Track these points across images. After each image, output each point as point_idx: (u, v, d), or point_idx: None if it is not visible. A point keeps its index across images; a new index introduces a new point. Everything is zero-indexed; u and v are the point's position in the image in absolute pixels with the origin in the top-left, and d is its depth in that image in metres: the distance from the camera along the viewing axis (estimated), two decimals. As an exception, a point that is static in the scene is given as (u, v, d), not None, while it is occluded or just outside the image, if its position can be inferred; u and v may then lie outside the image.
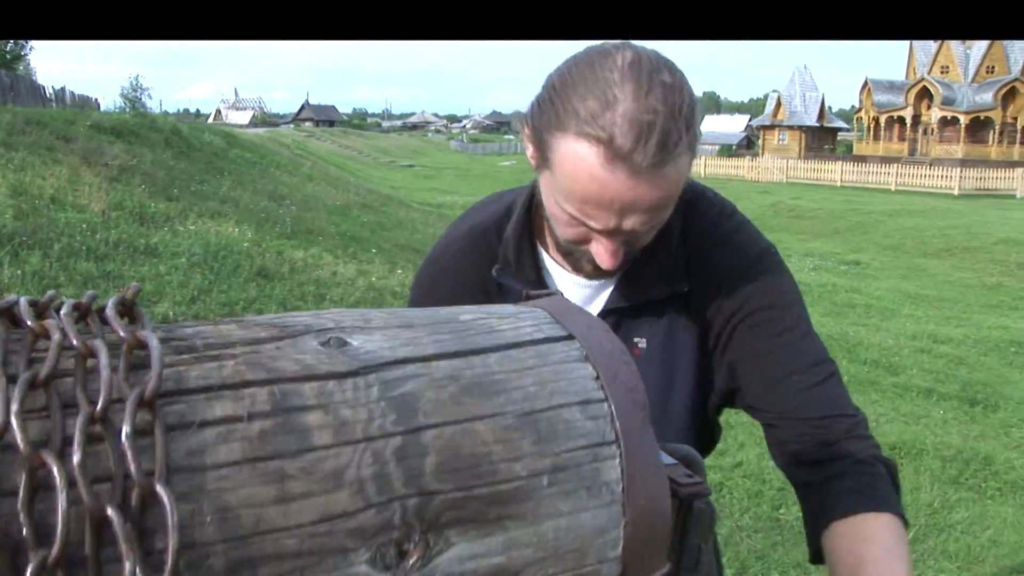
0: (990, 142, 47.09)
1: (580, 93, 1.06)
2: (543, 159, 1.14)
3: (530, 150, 1.17)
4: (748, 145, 62.60)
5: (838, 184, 33.71)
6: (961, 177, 32.13)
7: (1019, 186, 31.73)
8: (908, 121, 49.73)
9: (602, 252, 1.16)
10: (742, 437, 5.65)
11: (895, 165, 35.81)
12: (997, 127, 46.84)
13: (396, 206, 18.79)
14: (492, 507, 0.54)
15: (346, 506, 0.51)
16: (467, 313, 0.65)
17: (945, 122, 47.75)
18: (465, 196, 24.22)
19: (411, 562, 0.52)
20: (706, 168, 38.21)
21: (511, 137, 73.41)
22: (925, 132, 49.41)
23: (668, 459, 0.67)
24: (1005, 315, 11.60)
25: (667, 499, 0.58)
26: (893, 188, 32.70)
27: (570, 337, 0.63)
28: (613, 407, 0.59)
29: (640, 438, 0.58)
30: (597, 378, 0.60)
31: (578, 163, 1.06)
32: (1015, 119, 46.15)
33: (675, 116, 1.04)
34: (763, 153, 50.88)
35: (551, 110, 1.09)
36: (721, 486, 4.85)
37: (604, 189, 1.07)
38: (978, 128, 47.20)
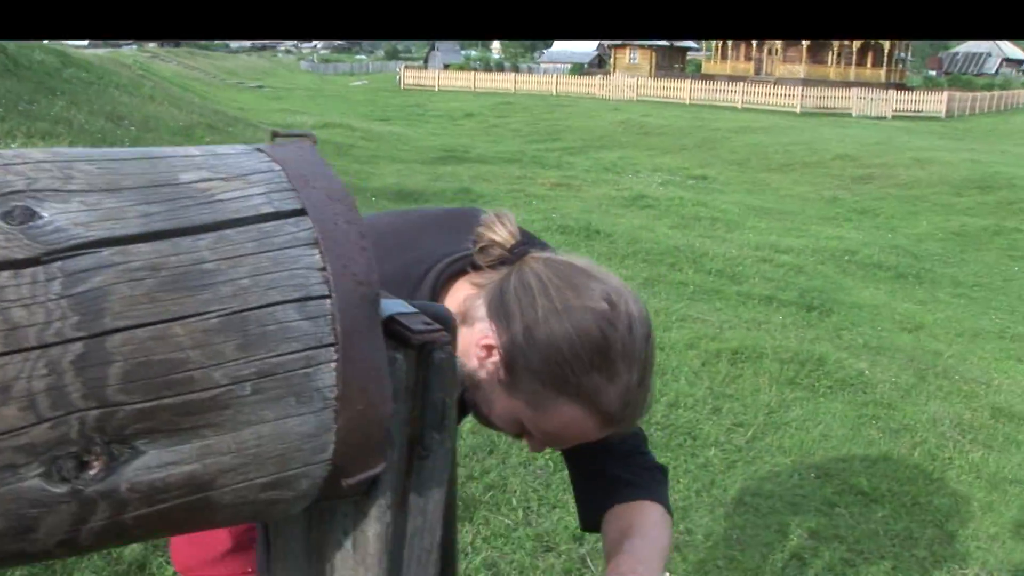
0: (829, 63, 48.86)
1: (585, 366, 1.13)
2: (526, 393, 1.17)
3: (498, 369, 1.18)
4: (600, 64, 62.91)
5: (687, 102, 34.36)
6: (803, 96, 33.23)
7: (854, 105, 33.10)
8: (754, 42, 50.98)
9: (535, 446, 1.26)
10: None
11: (741, 84, 36.71)
12: (836, 49, 48.59)
13: (243, 127, 18.06)
14: (185, 417, 0.47)
15: (13, 423, 0.44)
16: (190, 171, 0.54)
17: (788, 43, 49.16)
18: (316, 116, 23.52)
19: (92, 473, 0.45)
20: (558, 87, 38.25)
21: (363, 57, 71.64)
22: (770, 52, 50.79)
23: (406, 307, 0.59)
24: (840, 226, 12.15)
25: (387, 403, 0.51)
26: (739, 106, 33.57)
27: (302, 212, 0.54)
28: (336, 305, 0.52)
29: (365, 340, 0.50)
30: (323, 269, 0.52)
31: (573, 423, 1.16)
32: (851, 42, 47.94)
33: (652, 383, 1.19)
34: (614, 72, 51.25)
35: (554, 371, 1.14)
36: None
37: (584, 438, 1.19)
38: (818, 49, 48.85)
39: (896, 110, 33.00)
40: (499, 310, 1.17)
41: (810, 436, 4.71)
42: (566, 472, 3.97)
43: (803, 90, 34.08)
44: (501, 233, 1.22)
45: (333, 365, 0.51)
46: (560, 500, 3.69)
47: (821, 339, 6.50)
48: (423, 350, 0.55)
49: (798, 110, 32.54)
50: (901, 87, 40.54)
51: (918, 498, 4.22)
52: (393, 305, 0.56)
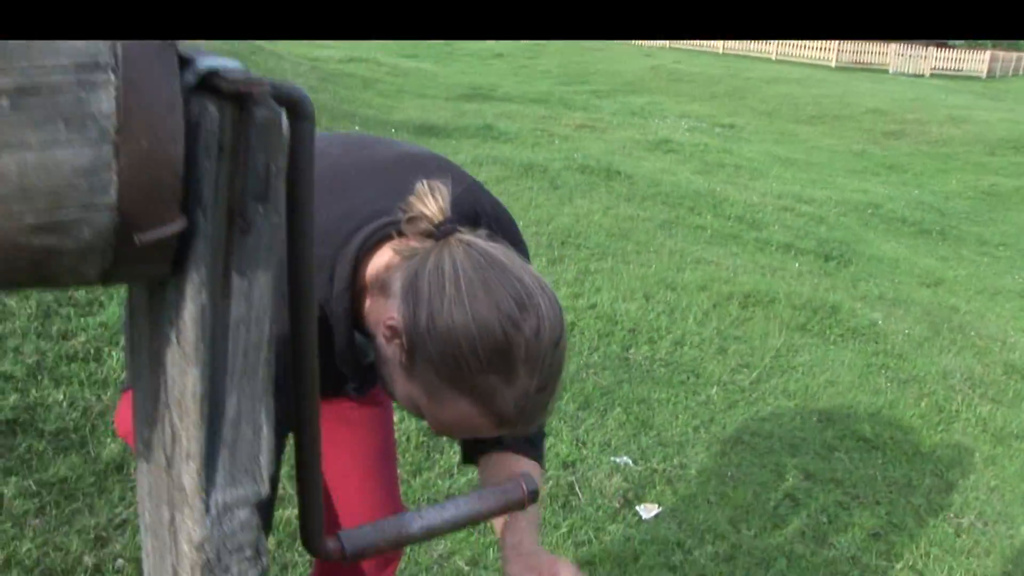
0: (870, 18, 47.73)
1: (482, 366, 1.10)
2: (422, 381, 1.16)
3: (400, 352, 1.16)
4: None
5: (720, 52, 33.78)
6: (839, 50, 32.58)
7: (892, 62, 32.43)
8: (794, -7, 49.83)
9: (433, 429, 1.24)
10: (599, 282, 5.65)
11: (778, 36, 35.93)
12: (878, 3, 47.48)
13: (266, 56, 17.91)
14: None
15: None
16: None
17: (829, -5, 48.03)
18: (343, 50, 23.30)
19: None
20: (593, 31, 37.58)
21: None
22: (809, 5, 49.68)
23: (231, 62, 0.52)
24: (867, 180, 11.94)
25: (178, 144, 0.44)
26: (774, 58, 32.98)
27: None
28: (119, 21, 0.44)
29: (153, 66, 0.43)
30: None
31: (465, 420, 1.14)
32: (895, -5, 46.76)
33: (556, 389, 1.17)
34: (651, 19, 50.16)
35: (450, 365, 1.11)
36: (573, 325, 4.84)
37: (477, 434, 1.18)
38: (860, 3, 47.71)
39: (935, 68, 32.31)
40: (410, 291, 1.14)
41: (816, 381, 4.64)
42: (562, 401, 3.94)
43: (839, 44, 33.40)
44: (430, 207, 1.17)
45: (112, 91, 0.43)
46: (553, 428, 3.65)
47: (837, 288, 6.39)
48: (243, 105, 0.48)
49: (833, 64, 31.94)
50: (942, 45, 39.71)
51: (920, 447, 4.15)
52: (214, 59, 0.49)
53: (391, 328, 1.15)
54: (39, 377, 2.94)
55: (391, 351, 1.17)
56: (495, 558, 2.70)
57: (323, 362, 1.25)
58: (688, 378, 4.43)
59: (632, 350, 4.69)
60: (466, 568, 2.63)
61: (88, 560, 2.27)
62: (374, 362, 1.25)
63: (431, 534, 0.86)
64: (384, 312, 1.18)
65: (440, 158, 1.43)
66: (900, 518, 3.47)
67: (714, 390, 4.31)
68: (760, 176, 10.82)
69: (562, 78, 20.42)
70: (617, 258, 6.38)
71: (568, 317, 4.97)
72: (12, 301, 3.29)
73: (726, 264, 6.56)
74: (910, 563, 3.18)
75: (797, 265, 6.87)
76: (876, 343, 5.39)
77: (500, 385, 1.10)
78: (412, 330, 1.12)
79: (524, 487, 0.94)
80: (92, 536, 2.34)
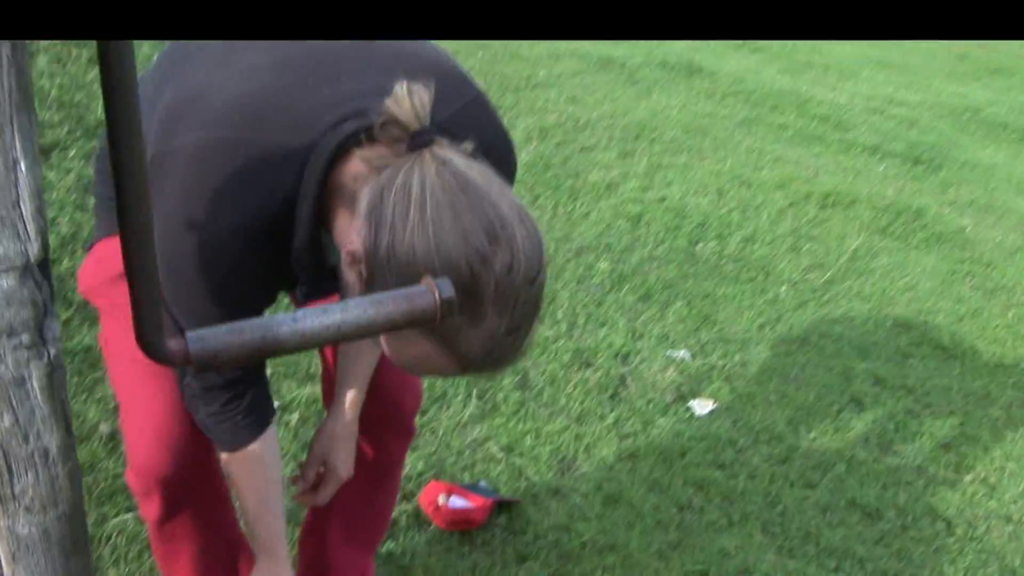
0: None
1: None
2: None
3: (360, 279, 1.04)
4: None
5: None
6: (947, -49, 30.80)
7: (1005, -36, 30.54)
8: None
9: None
10: (671, 176, 5.40)
11: (882, -65, 34.11)
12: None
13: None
14: None
15: None
16: None
17: None
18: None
19: None
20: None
21: None
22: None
23: None
24: (966, 84, 11.28)
25: None
26: (876, -41, 31.36)
27: None
28: None
29: None
30: None
31: (427, 360, 1.04)
32: None
33: (531, 330, 1.04)
34: (747, -84, 48.05)
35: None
36: (639, 217, 4.64)
37: (441, 375, 1.08)
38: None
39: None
40: (374, 212, 1.00)
41: (894, 286, 4.37)
42: (621, 292, 3.77)
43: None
44: (405, 111, 1.01)
45: None
46: (610, 318, 3.49)
47: (924, 192, 6.03)
48: None
49: (940, -34, 30.23)
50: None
51: (1003, 359, 3.88)
52: None
53: (351, 254, 1.04)
54: (72, 248, 2.86)
55: (351, 277, 1.05)
56: (532, 445, 2.58)
57: (280, 260, 1.12)
58: (757, 275, 4.20)
59: (700, 245, 4.47)
60: (499, 454, 2.51)
61: (104, 428, 2.22)
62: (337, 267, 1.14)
63: (307, 342, 0.68)
64: (347, 232, 1.06)
65: (451, 65, 1.25)
66: (974, 430, 3.24)
67: (783, 289, 4.08)
68: (850, 77, 10.27)
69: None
70: (692, 154, 6.10)
71: (635, 208, 4.76)
72: (51, 173, 3.21)
73: (807, 164, 6.23)
74: (981, 476, 2.97)
75: (883, 168, 6.49)
76: (963, 250, 5.07)
77: (465, 326, 0.98)
78: (372, 258, 1.00)
79: (437, 292, 0.74)
80: (111, 406, 2.28)
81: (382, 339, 1.06)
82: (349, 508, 1.75)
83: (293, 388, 2.56)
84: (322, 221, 1.12)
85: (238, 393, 1.29)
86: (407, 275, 0.95)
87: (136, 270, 0.64)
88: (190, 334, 0.67)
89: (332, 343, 0.71)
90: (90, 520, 1.98)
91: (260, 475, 1.39)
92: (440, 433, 2.55)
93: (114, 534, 1.95)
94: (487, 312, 0.97)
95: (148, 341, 0.66)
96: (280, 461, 1.44)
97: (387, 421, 1.67)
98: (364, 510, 1.77)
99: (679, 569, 2.12)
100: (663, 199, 4.98)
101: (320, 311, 0.70)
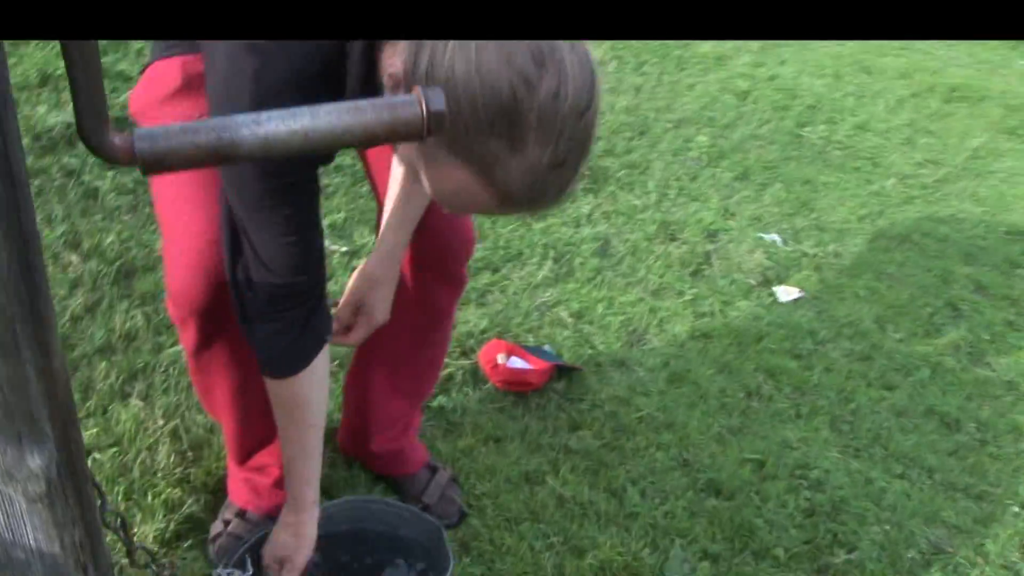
0: None
1: (484, 129, 0.91)
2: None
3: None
4: None
5: None
6: None
7: None
8: None
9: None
10: (786, 55, 5.12)
11: None
12: None
13: None
14: None
15: None
16: None
17: None
18: None
19: None
20: None
21: None
22: None
23: None
24: None
25: None
26: None
27: None
28: None
29: None
30: None
31: (464, 191, 0.97)
32: None
33: (578, 168, 0.97)
34: None
35: (455, 124, 0.91)
36: (747, 94, 4.41)
37: (480, 211, 1.03)
38: None
39: None
40: None
41: (1014, 191, 4.10)
42: (718, 169, 3.61)
43: None
44: None
45: None
46: (703, 194, 3.35)
47: (1064, 95, 5.59)
48: None
49: None
50: None
51: (1124, 279, 3.63)
52: None
53: (391, 76, 0.98)
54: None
55: None
56: (603, 313, 2.51)
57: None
58: (864, 165, 3.98)
59: (807, 128, 4.24)
60: (568, 319, 2.45)
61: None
62: None
63: (269, 148, 0.59)
64: (390, 59, 1.00)
65: None
66: (1078, 350, 3.05)
67: (890, 182, 3.86)
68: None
69: None
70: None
71: (743, 84, 4.53)
72: None
73: (937, 55, 5.83)
74: (1076, 399, 2.81)
75: (1023, 63, 6.04)
76: (1096, 161, 4.71)
77: (504, 154, 0.92)
78: (410, 78, 0.93)
79: (424, 103, 0.63)
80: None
81: (421, 172, 0.99)
82: (395, 357, 1.71)
83: (365, 234, 2.53)
84: (374, 63, 1.06)
85: (301, 303, 1.25)
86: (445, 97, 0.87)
87: (73, 54, 0.56)
88: (138, 130, 0.60)
89: (301, 151, 0.62)
90: (146, 348, 1.99)
91: (301, 416, 1.36)
92: (510, 292, 2.50)
93: (167, 363, 1.97)
94: (529, 140, 0.90)
95: (89, 135, 0.59)
96: (325, 402, 1.39)
97: (436, 268, 1.60)
98: (410, 361, 1.73)
99: (736, 455, 2.06)
100: (774, 77, 4.72)
101: (287, 113, 0.61)
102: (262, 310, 1.23)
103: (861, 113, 4.47)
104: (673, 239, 3.03)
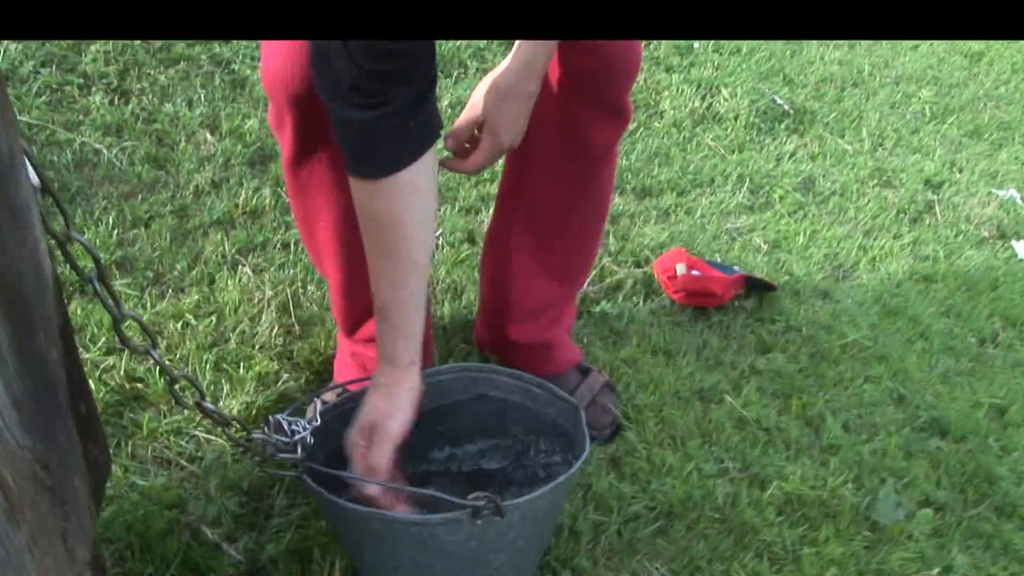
0: None
1: None
2: None
3: None
4: None
5: None
6: None
7: None
8: None
9: None
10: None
11: None
12: None
13: None
14: None
15: None
16: None
17: None
18: None
19: None
20: None
21: None
22: None
23: None
24: None
25: None
26: None
27: None
28: None
29: None
30: None
31: None
32: None
33: None
34: None
35: None
36: (980, 56, 3.93)
37: None
38: None
39: None
40: None
41: None
42: (944, 125, 3.17)
43: None
44: None
45: None
46: (925, 146, 2.94)
47: None
48: None
49: None
50: None
51: None
52: None
53: None
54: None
55: None
56: (805, 244, 2.16)
57: None
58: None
59: (1053, 91, 3.71)
60: (764, 245, 2.13)
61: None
62: None
63: None
64: None
65: None
66: None
67: None
68: None
69: None
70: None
71: (976, 46, 4.03)
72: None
73: None
74: None
75: None
76: None
77: None
78: None
79: None
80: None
81: None
82: (541, 215, 1.41)
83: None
84: None
85: (404, 81, 0.97)
86: None
87: None
88: None
89: None
90: (270, 223, 1.81)
91: (395, 244, 1.07)
92: (697, 215, 2.20)
93: (291, 241, 1.77)
94: None
95: None
96: (430, 237, 1.10)
97: (588, 93, 1.27)
98: (560, 222, 1.41)
99: (968, 397, 1.69)
100: (1016, 40, 4.18)
101: None
102: (357, 84, 0.95)
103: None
104: (889, 185, 2.64)
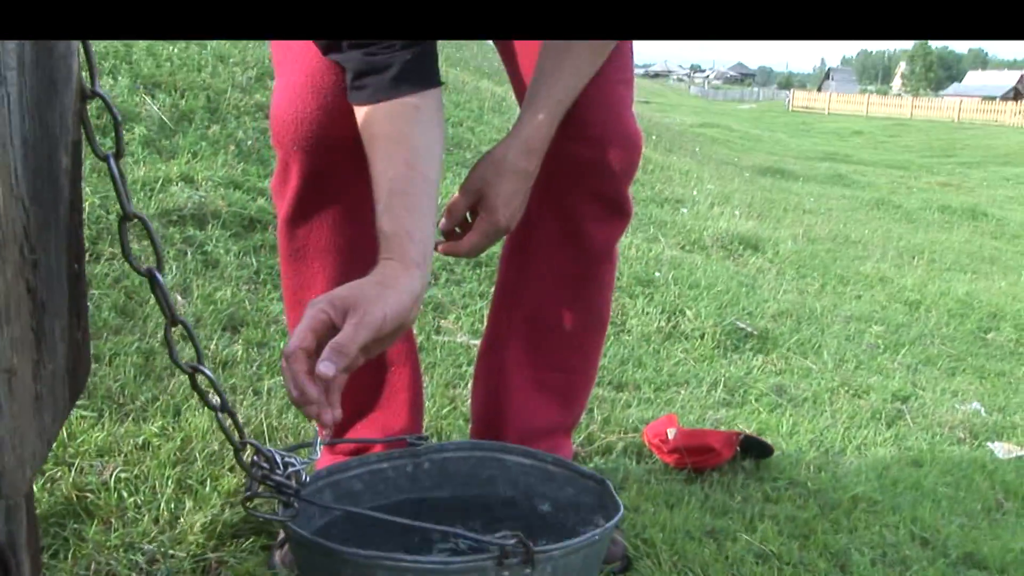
0: None
1: None
2: None
3: None
4: (1015, 97, 56.16)
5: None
6: None
7: None
8: None
9: None
10: (956, 281, 4.81)
11: None
12: None
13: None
14: None
15: None
16: None
17: None
18: (694, 118, 23.26)
19: None
20: (960, 113, 34.75)
21: (756, 89, 70.32)
22: None
23: None
24: None
25: None
26: None
27: None
28: None
29: None
30: None
31: None
32: None
33: None
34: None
35: None
36: (918, 304, 4.11)
37: None
38: None
39: None
40: None
41: None
42: (898, 355, 3.22)
43: None
44: None
45: None
46: (885, 368, 2.97)
47: None
48: None
49: None
50: None
51: None
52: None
53: None
54: None
55: None
56: (789, 431, 2.10)
57: None
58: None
59: (992, 333, 3.85)
60: (748, 431, 2.06)
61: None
62: None
63: None
64: None
65: None
66: None
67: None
68: None
69: (925, 152, 18.90)
70: (979, 274, 5.47)
71: (913, 296, 4.24)
72: None
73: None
74: None
75: None
76: None
77: None
78: None
79: None
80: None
81: None
82: (539, 320, 1.34)
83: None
84: None
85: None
86: None
87: None
88: None
89: None
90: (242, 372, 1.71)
91: (400, 155, 1.04)
92: (677, 406, 2.15)
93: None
94: None
95: None
96: (438, 154, 1.08)
97: (589, 182, 1.25)
98: (559, 327, 1.33)
99: (995, 542, 1.56)
100: (946, 292, 4.39)
101: None
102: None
103: (1049, 323, 4.05)
104: (858, 396, 2.64)
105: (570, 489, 1.09)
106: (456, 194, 1.21)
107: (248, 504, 0.90)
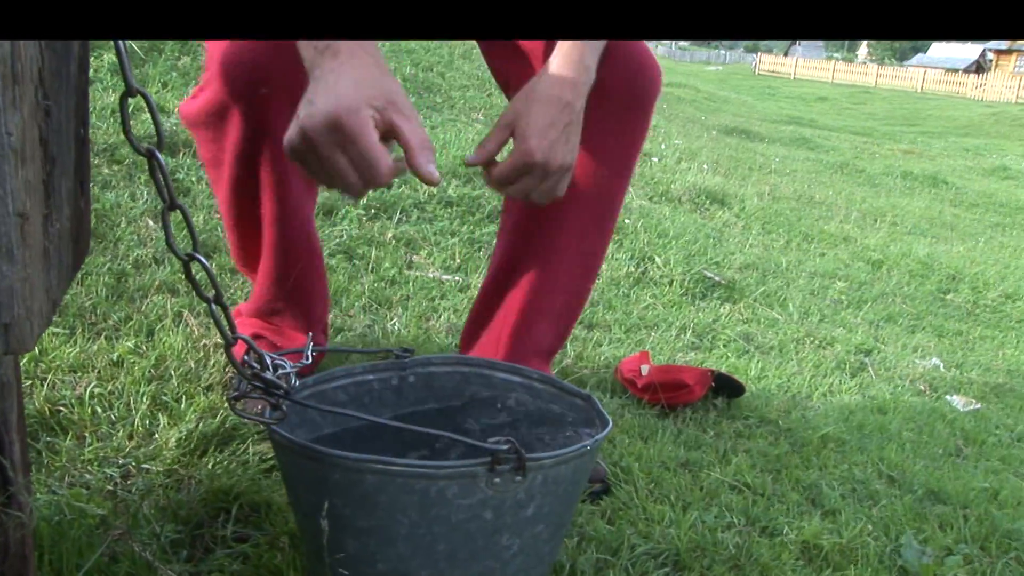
0: None
1: None
2: None
3: None
4: (977, 71, 56.49)
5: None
6: None
7: None
8: None
9: None
10: (916, 244, 4.86)
11: None
12: None
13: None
14: None
15: None
16: None
17: None
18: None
19: None
20: (924, 84, 34.96)
21: (723, 51, 70.21)
22: None
23: None
24: None
25: None
26: None
27: None
28: None
29: None
30: None
31: None
32: None
33: None
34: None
35: None
36: (880, 263, 4.15)
37: None
38: None
39: None
40: None
41: None
42: (860, 311, 3.24)
43: None
44: None
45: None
46: (848, 323, 2.99)
47: None
48: None
49: None
50: None
51: None
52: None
53: None
54: None
55: None
56: (756, 375, 2.11)
57: None
58: (1021, 325, 3.58)
59: (951, 294, 3.90)
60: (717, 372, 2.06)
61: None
62: None
63: None
64: None
65: None
66: None
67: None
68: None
69: (888, 120, 19.05)
70: (938, 240, 5.54)
71: (875, 256, 4.29)
72: None
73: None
74: None
75: None
76: None
77: None
78: None
79: None
80: None
81: None
82: (550, 261, 1.33)
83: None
84: None
85: None
86: None
87: None
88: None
89: None
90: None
91: None
92: (647, 346, 2.14)
93: None
94: None
95: None
96: None
97: (618, 99, 1.24)
98: (566, 263, 1.33)
99: (958, 482, 1.58)
100: (907, 254, 4.44)
101: None
102: None
103: (1008, 284, 4.12)
104: (822, 347, 2.65)
105: (556, 407, 1.08)
106: (493, 128, 1.16)
107: (236, 404, 0.88)
